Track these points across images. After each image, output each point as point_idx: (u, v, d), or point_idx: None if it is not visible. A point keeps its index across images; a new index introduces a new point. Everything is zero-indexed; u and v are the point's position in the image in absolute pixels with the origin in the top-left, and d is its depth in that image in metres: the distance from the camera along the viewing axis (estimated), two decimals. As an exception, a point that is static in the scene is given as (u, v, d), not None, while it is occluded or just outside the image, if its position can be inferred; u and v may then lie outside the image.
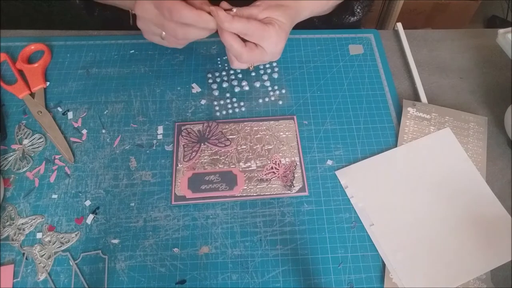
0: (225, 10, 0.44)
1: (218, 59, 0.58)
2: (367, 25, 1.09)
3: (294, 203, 0.47)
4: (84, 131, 0.52)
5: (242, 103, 0.54)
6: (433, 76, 0.58)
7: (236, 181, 0.48)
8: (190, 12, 0.43)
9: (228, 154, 0.50)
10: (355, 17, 0.59)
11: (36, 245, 0.44)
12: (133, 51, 0.59)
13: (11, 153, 0.50)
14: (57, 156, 0.50)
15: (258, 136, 0.52)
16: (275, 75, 0.57)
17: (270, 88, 0.56)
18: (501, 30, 0.62)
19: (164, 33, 0.47)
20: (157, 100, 0.55)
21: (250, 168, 0.49)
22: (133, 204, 0.47)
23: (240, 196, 0.47)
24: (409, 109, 0.54)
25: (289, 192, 0.48)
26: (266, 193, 0.47)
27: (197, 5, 0.44)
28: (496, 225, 0.46)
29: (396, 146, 0.51)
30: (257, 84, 0.56)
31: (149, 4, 0.45)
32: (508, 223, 0.46)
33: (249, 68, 0.51)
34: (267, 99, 0.55)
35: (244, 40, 0.46)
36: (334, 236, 0.45)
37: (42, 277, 0.42)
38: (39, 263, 0.43)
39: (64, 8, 1.23)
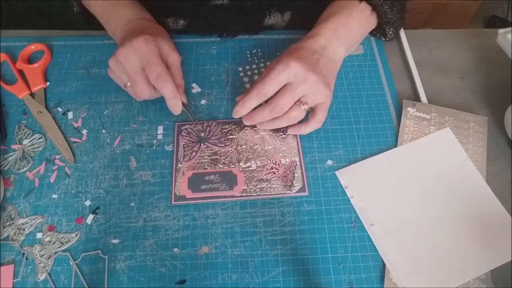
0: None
1: (248, 52, 0.59)
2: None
3: (294, 203, 0.47)
4: (84, 131, 0.52)
5: None
6: (433, 76, 0.58)
7: (236, 181, 0.48)
8: (173, 88, 0.46)
9: (228, 154, 0.50)
10: (387, 38, 0.59)
11: (36, 245, 0.44)
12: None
13: (11, 153, 0.50)
14: (57, 156, 0.50)
15: (258, 136, 0.52)
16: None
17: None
18: (501, 30, 0.62)
19: (129, 84, 0.48)
20: (157, 100, 0.54)
21: (250, 168, 0.49)
22: (133, 204, 0.47)
23: (240, 196, 0.47)
24: (409, 109, 0.54)
25: (289, 192, 0.48)
26: (266, 193, 0.47)
27: (176, 83, 0.47)
28: (496, 225, 0.46)
29: (396, 146, 0.51)
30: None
31: (134, 55, 0.46)
32: (508, 223, 0.46)
33: None
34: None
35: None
36: (334, 236, 0.45)
37: (42, 277, 0.42)
38: (39, 263, 0.43)
39: (64, 8, 1.23)
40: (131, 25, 0.51)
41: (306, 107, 0.47)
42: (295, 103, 0.46)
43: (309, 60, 0.46)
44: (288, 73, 0.44)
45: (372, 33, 0.59)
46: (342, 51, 0.51)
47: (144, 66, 0.46)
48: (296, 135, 0.51)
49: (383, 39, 0.60)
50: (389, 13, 0.54)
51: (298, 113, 0.47)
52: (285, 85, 0.46)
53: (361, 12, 0.53)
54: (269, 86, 0.45)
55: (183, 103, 0.49)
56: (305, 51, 0.48)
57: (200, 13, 0.59)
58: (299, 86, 0.45)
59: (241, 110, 0.47)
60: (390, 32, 0.57)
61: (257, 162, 0.50)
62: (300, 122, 0.49)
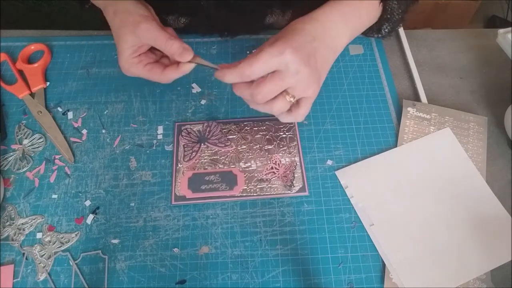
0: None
1: (248, 52, 0.59)
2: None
3: (294, 203, 0.47)
4: (84, 131, 0.52)
5: None
6: (433, 76, 0.58)
7: (236, 181, 0.48)
8: (175, 74, 0.45)
9: (228, 154, 0.50)
10: (380, 35, 0.59)
11: (36, 245, 0.44)
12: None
13: (11, 153, 0.50)
14: (57, 156, 0.50)
15: (258, 136, 0.51)
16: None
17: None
18: (501, 30, 0.62)
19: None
20: (157, 100, 0.55)
21: (250, 168, 0.49)
22: (133, 204, 0.47)
23: (240, 196, 0.47)
24: (409, 109, 0.54)
25: (289, 192, 0.48)
26: (266, 193, 0.47)
27: (168, 55, 0.45)
28: (496, 225, 0.46)
29: (396, 146, 0.51)
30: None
31: (131, 68, 0.46)
32: (508, 223, 0.46)
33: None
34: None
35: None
36: (334, 236, 0.45)
37: (42, 277, 0.42)
38: (39, 263, 0.43)
39: (64, 8, 1.23)
40: (112, 20, 0.48)
41: (292, 100, 0.42)
42: (281, 93, 0.42)
43: (306, 49, 0.42)
44: (280, 61, 0.39)
45: (364, 31, 0.58)
46: (345, 39, 0.48)
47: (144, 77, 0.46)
48: (296, 134, 0.51)
49: (375, 35, 0.59)
50: (395, 11, 0.54)
51: (282, 105, 0.42)
52: (273, 72, 0.41)
53: (371, 4, 0.51)
54: (255, 69, 0.40)
55: (193, 61, 0.44)
56: (304, 37, 0.43)
57: (201, 11, 0.59)
58: (289, 77, 0.40)
59: (220, 76, 0.42)
60: (386, 30, 0.57)
61: (257, 162, 0.50)
62: None
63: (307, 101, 0.43)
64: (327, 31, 0.45)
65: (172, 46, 0.44)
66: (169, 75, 0.45)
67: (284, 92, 0.42)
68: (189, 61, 0.44)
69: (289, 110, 0.44)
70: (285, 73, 0.40)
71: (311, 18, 0.46)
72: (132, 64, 0.45)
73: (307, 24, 0.45)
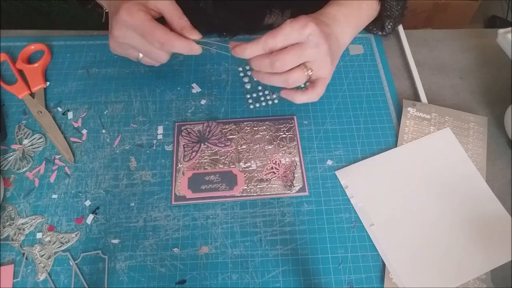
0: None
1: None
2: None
3: (294, 203, 0.47)
4: (84, 131, 0.52)
5: (274, 95, 0.55)
6: (433, 76, 0.58)
7: (236, 181, 0.48)
8: (181, 43, 0.43)
9: (228, 154, 0.50)
10: (384, 32, 0.59)
11: (36, 245, 0.44)
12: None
13: (11, 153, 0.50)
14: (57, 156, 0.50)
15: (258, 136, 0.52)
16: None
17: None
18: (501, 30, 0.62)
19: (141, 56, 0.46)
20: (157, 100, 0.55)
21: (250, 168, 0.49)
22: (133, 204, 0.47)
23: (240, 196, 0.47)
24: (409, 109, 0.54)
25: (289, 192, 0.48)
26: (266, 193, 0.47)
27: (178, 28, 0.44)
28: (496, 225, 0.46)
29: (396, 146, 0.51)
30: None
31: (128, 31, 0.43)
32: (508, 223, 0.46)
33: None
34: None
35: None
36: (334, 236, 0.45)
37: (42, 277, 0.42)
38: (39, 263, 0.43)
39: (64, 8, 1.23)
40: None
41: (310, 73, 0.43)
42: (299, 65, 0.43)
43: (326, 28, 0.44)
44: (303, 32, 0.41)
45: (368, 27, 0.58)
46: (348, 37, 0.49)
47: (144, 36, 0.43)
48: (296, 134, 0.51)
49: (380, 33, 0.60)
50: (394, 7, 0.54)
51: (299, 76, 0.43)
52: (294, 44, 0.42)
53: (370, 4, 0.52)
54: (278, 39, 0.41)
55: (199, 42, 0.45)
56: (323, 18, 0.45)
57: (200, 11, 0.59)
58: (309, 49, 0.41)
59: (240, 52, 0.43)
60: (389, 26, 0.57)
61: (257, 162, 0.50)
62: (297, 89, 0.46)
63: (323, 82, 0.44)
64: (336, 23, 0.46)
65: (186, 21, 0.44)
66: (174, 41, 0.43)
67: (302, 65, 0.43)
68: (197, 42, 0.44)
69: (306, 90, 0.45)
70: (306, 45, 0.41)
71: (319, 13, 0.47)
72: (137, 11, 0.42)
73: (318, 14, 0.46)
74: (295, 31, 0.41)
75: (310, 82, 0.45)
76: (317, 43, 0.42)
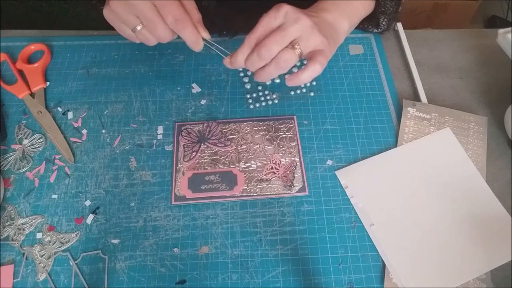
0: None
1: None
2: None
3: (294, 203, 0.47)
4: (84, 131, 0.52)
5: (274, 95, 0.55)
6: (433, 76, 0.58)
7: (236, 181, 0.48)
8: (193, 31, 0.42)
9: (228, 154, 0.50)
10: (379, 29, 0.59)
11: (36, 245, 0.44)
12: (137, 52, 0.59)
13: (11, 153, 0.50)
14: (57, 156, 0.50)
15: (258, 136, 0.52)
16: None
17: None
18: (501, 30, 0.62)
19: (139, 27, 0.42)
20: (157, 100, 0.55)
21: (250, 168, 0.49)
22: (133, 204, 0.47)
23: (240, 196, 0.47)
24: (409, 109, 0.54)
25: (289, 192, 0.48)
26: (266, 193, 0.47)
27: (194, 18, 0.43)
28: (496, 225, 0.46)
29: (396, 146, 0.51)
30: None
31: None
32: (508, 223, 0.46)
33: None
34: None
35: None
36: (334, 236, 0.45)
37: (42, 277, 0.42)
38: (39, 263, 0.43)
39: (64, 8, 1.23)
40: None
41: (299, 48, 0.41)
42: (286, 46, 0.41)
43: (305, 10, 0.43)
44: (278, 14, 0.41)
45: (363, 25, 0.58)
46: (345, 24, 0.48)
47: (157, 6, 0.40)
48: (296, 134, 0.51)
49: (375, 30, 0.60)
50: (388, 3, 0.54)
51: (289, 55, 0.41)
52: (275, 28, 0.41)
53: (366, 3, 0.52)
54: (259, 31, 0.41)
55: (205, 40, 0.44)
56: (306, 13, 0.44)
57: (201, 10, 0.59)
58: (290, 26, 0.40)
59: (234, 60, 0.43)
60: (384, 23, 0.57)
61: (257, 162, 0.50)
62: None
63: (320, 52, 0.42)
64: (325, 12, 0.46)
65: (199, 14, 0.43)
66: (189, 25, 0.41)
67: (290, 44, 0.41)
68: (204, 39, 0.44)
69: (305, 65, 0.43)
70: (285, 24, 0.41)
71: (308, 9, 0.47)
72: None
73: (307, 10, 0.46)
74: (271, 17, 0.41)
75: (309, 58, 0.43)
76: (296, 18, 0.41)
